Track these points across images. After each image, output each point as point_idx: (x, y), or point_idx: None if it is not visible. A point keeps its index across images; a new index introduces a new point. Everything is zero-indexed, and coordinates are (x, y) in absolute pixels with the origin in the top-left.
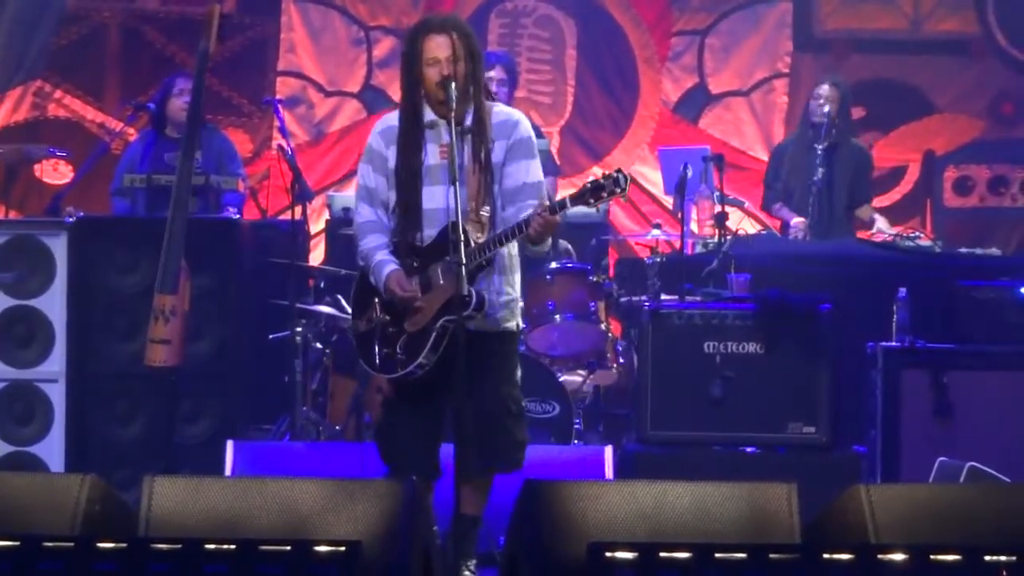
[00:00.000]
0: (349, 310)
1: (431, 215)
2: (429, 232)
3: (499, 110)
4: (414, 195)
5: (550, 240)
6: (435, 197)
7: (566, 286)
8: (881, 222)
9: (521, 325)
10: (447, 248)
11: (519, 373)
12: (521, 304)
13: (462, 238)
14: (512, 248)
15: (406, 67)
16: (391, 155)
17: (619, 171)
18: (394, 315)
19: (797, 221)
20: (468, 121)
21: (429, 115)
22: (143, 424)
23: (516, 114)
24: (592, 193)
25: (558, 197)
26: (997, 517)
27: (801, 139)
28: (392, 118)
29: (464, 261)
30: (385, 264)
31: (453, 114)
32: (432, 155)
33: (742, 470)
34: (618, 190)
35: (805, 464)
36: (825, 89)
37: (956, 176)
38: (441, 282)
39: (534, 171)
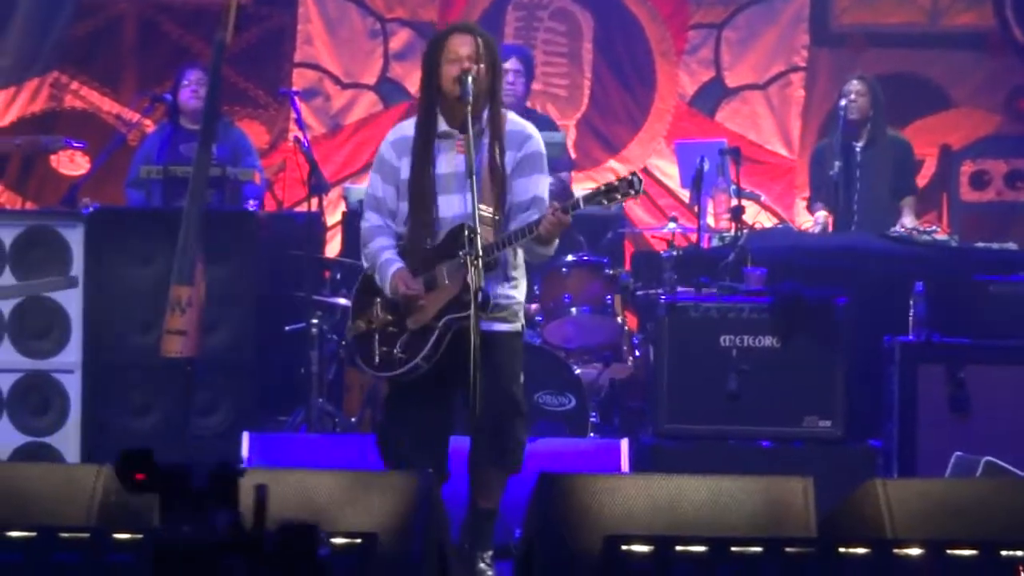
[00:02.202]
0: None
1: (443, 224)
2: (440, 237)
3: (512, 119)
4: (428, 206)
5: (556, 242)
6: (448, 206)
7: (582, 279)
8: (907, 217)
9: (524, 327)
10: (453, 249)
11: (522, 376)
12: (533, 301)
13: (478, 233)
14: (518, 254)
15: (426, 70)
16: (403, 166)
17: (634, 174)
18: (396, 314)
19: (819, 214)
20: (483, 126)
21: (443, 125)
22: (159, 415)
23: (529, 127)
24: (605, 195)
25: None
26: (1014, 512)
27: (839, 138)
28: (405, 128)
29: (480, 255)
30: (391, 263)
31: (470, 108)
32: (445, 164)
33: (758, 464)
34: (632, 192)
35: (821, 458)
36: (855, 85)
37: (973, 170)
38: (447, 281)
39: (543, 186)
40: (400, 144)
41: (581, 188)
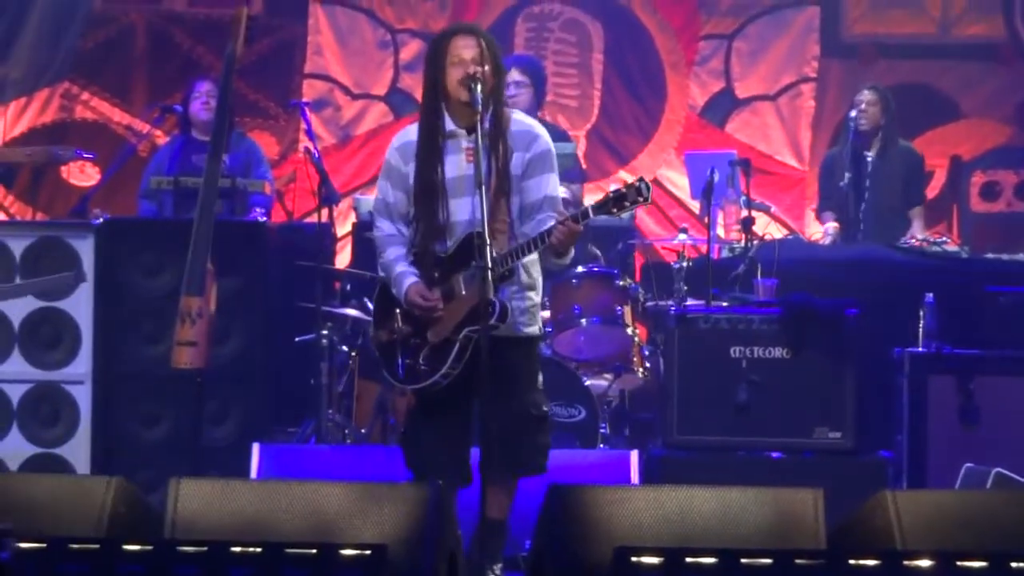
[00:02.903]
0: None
1: (453, 227)
2: (451, 243)
3: (518, 119)
4: (436, 209)
5: (572, 252)
6: (457, 209)
7: (592, 290)
8: (916, 226)
9: (542, 330)
10: (468, 257)
11: (541, 378)
12: (542, 311)
13: (488, 243)
14: (532, 255)
15: (429, 71)
16: (411, 171)
17: (641, 179)
18: (416, 325)
19: (829, 225)
20: (487, 129)
21: (449, 125)
22: (169, 426)
23: (536, 126)
24: (615, 202)
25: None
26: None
27: (849, 148)
28: (409, 133)
29: (491, 268)
30: (405, 276)
31: (479, 116)
32: (452, 167)
33: (768, 475)
34: (641, 199)
35: (831, 469)
36: (867, 95)
37: (983, 181)
38: (463, 292)
39: (553, 185)
40: (406, 149)
41: (591, 199)
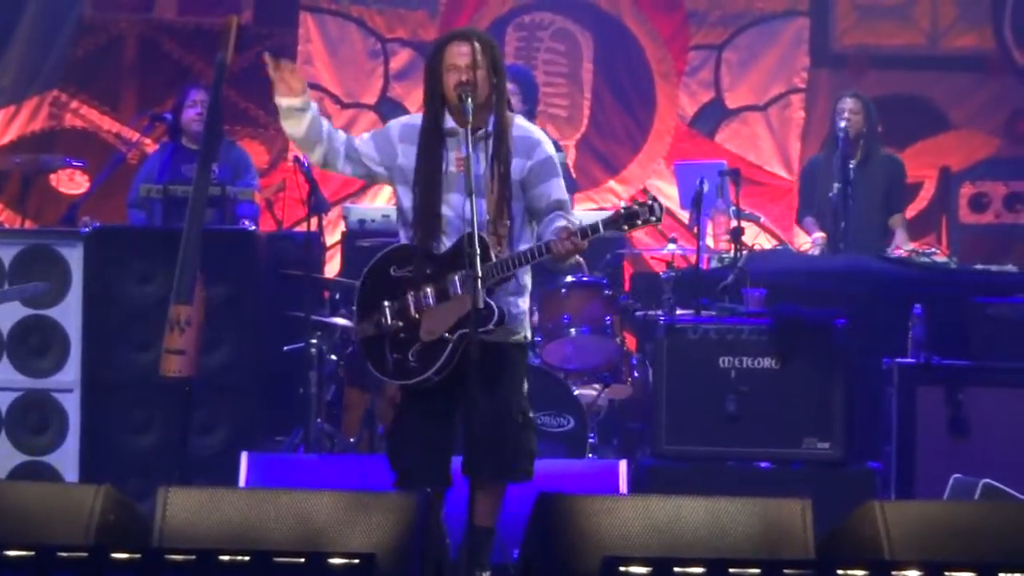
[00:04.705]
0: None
1: (447, 222)
2: (446, 240)
3: (520, 124)
4: (432, 200)
5: (573, 259)
6: (452, 204)
7: (581, 300)
8: (900, 236)
9: (530, 337)
10: (463, 259)
11: (527, 385)
12: (532, 316)
13: (478, 252)
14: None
15: (428, 76)
16: (401, 152)
17: (654, 200)
18: (407, 321)
19: (816, 236)
20: (488, 132)
21: (449, 123)
22: (158, 434)
23: (538, 132)
24: (626, 219)
25: (588, 219)
26: (1012, 534)
27: (832, 155)
28: (417, 119)
29: (480, 275)
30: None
31: (470, 126)
32: (452, 162)
33: (756, 485)
34: (653, 219)
35: (819, 480)
36: (848, 103)
37: (972, 192)
38: (459, 293)
39: (560, 188)
40: (408, 131)
41: (581, 209)
